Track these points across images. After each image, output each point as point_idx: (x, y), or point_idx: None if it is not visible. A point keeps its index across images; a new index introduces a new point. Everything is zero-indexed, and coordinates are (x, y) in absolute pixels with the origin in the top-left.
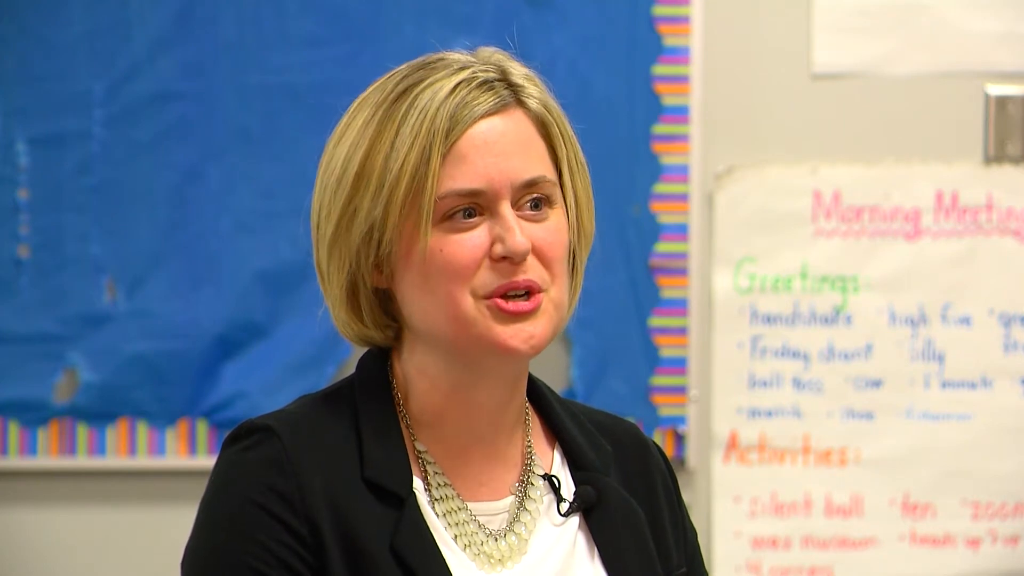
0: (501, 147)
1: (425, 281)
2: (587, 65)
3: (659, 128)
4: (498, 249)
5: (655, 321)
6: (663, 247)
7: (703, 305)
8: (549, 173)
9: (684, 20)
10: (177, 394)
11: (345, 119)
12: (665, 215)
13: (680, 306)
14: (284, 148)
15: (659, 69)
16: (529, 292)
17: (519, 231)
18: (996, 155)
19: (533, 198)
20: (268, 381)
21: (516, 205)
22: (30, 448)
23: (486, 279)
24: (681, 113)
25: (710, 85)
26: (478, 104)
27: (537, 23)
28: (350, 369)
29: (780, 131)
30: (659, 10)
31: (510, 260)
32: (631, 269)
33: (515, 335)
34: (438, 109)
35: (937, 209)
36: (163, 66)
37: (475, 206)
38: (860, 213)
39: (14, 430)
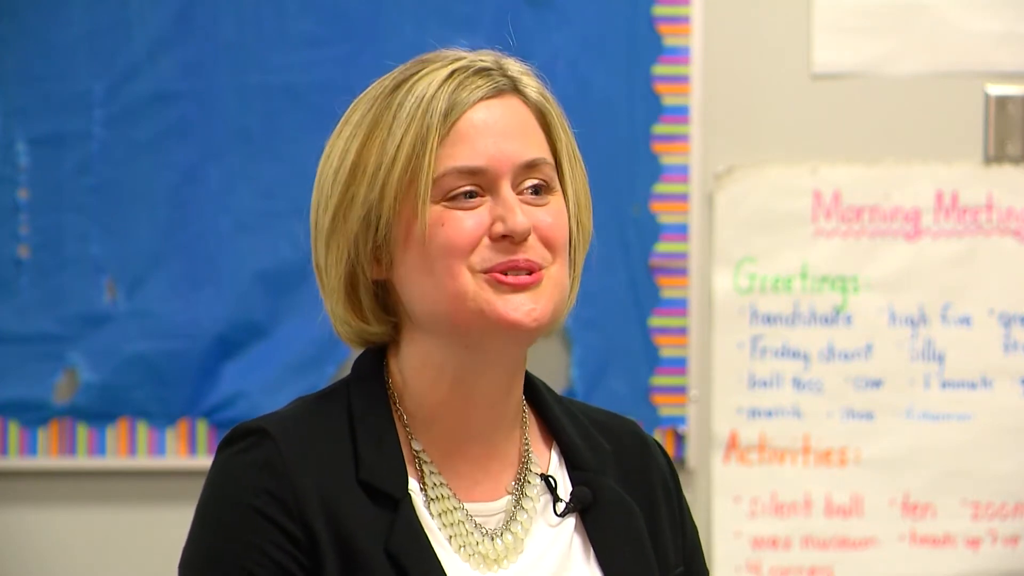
0: (500, 128)
1: (424, 260)
2: (587, 65)
3: (659, 128)
4: (498, 228)
5: (655, 321)
6: (663, 247)
7: (703, 305)
8: (548, 158)
9: (684, 20)
10: (177, 394)
11: (343, 118)
12: (665, 215)
13: (680, 306)
14: (284, 148)
15: (659, 69)
16: (530, 271)
17: (520, 211)
18: (996, 155)
19: (534, 184)
20: (268, 381)
21: (517, 190)
22: (30, 448)
23: (485, 256)
24: (681, 113)
25: (710, 85)
26: (476, 88)
27: (537, 23)
28: (350, 369)
29: (780, 131)
30: (659, 10)
31: (510, 239)
32: (631, 269)
33: (516, 308)
34: (435, 93)
35: (937, 209)
36: (163, 66)
37: (477, 188)
38: (860, 213)
39: (14, 430)
